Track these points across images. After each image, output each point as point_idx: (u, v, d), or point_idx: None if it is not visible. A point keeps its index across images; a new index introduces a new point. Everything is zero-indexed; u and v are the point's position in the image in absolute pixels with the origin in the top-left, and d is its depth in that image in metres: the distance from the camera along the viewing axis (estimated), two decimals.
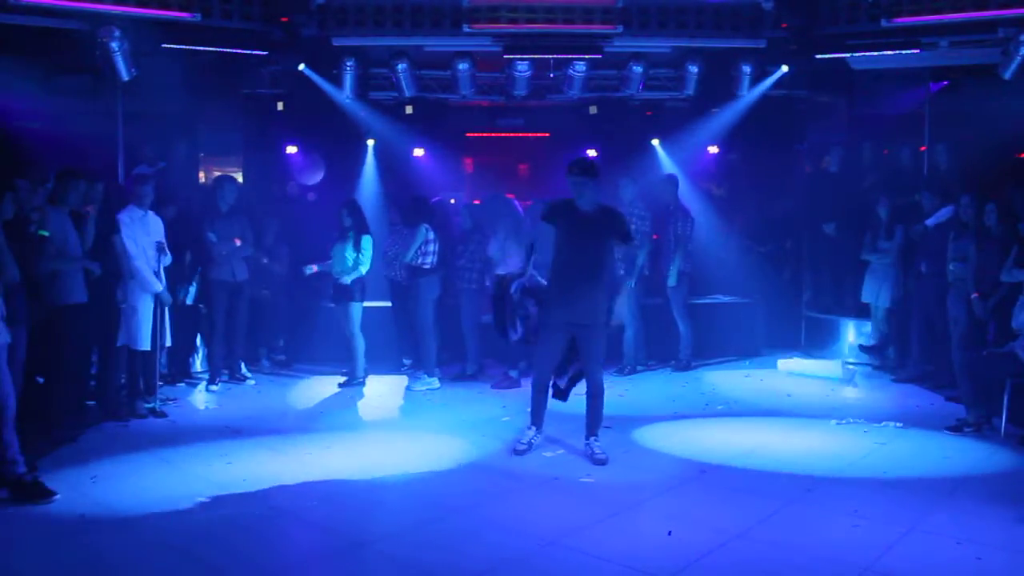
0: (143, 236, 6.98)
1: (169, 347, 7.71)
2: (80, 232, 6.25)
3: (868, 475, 5.56)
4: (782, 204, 10.61)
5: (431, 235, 8.10)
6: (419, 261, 8.08)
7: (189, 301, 7.95)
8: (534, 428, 6.03)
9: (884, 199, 8.62)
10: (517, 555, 4.34)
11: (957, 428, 6.48)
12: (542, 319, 5.90)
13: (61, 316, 6.06)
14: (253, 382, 8.27)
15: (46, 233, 5.83)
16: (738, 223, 10.69)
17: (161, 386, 7.30)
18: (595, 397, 5.92)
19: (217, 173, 10.96)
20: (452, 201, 10.37)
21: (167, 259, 7.14)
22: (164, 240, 7.10)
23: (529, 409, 6.06)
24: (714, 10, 8.89)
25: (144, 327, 6.96)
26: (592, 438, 5.93)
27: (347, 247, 8.06)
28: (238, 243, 7.99)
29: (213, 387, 8.01)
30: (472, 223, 8.53)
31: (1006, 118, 8.52)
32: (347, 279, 8.01)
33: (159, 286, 7.02)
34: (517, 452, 5.94)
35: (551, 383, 6.03)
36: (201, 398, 7.78)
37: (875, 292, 8.61)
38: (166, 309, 7.29)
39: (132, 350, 6.98)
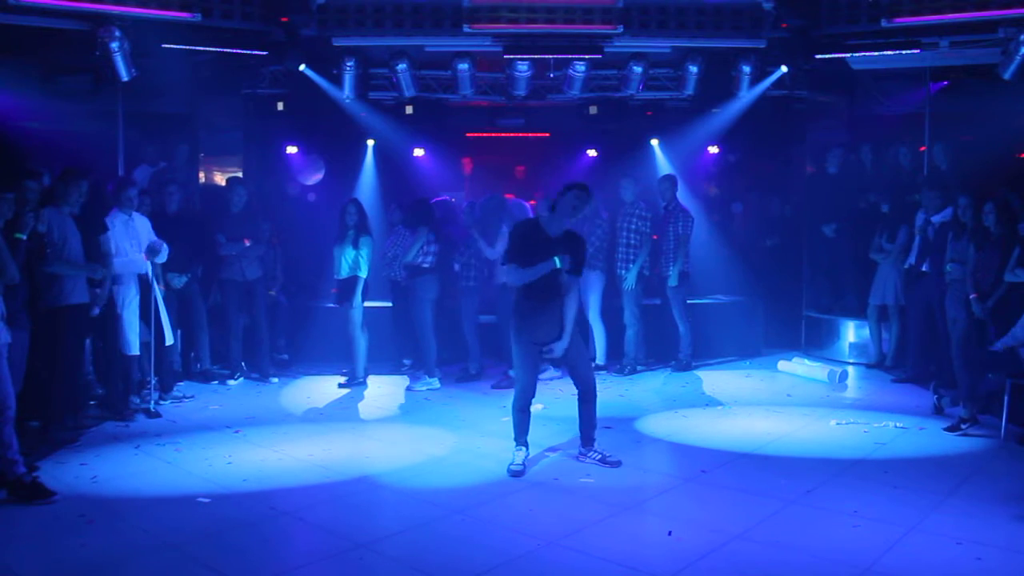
0: (126, 240, 6.94)
1: (171, 345, 7.69)
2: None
3: (868, 475, 5.56)
4: (781, 204, 10.61)
5: (431, 236, 8.13)
6: (419, 261, 8.11)
7: (177, 285, 7.70)
8: (523, 448, 5.73)
9: (887, 199, 8.60)
10: (517, 555, 4.34)
11: (955, 427, 6.48)
12: (518, 340, 5.63)
13: (61, 316, 6.06)
14: (276, 380, 8.33)
15: (22, 236, 5.49)
16: (738, 221, 10.70)
17: (152, 383, 7.28)
18: (590, 399, 5.75)
19: (217, 173, 10.97)
20: (452, 200, 10.36)
21: (164, 255, 7.08)
22: (155, 238, 7.07)
23: (514, 427, 5.74)
24: (714, 10, 8.87)
25: (130, 332, 6.98)
26: (589, 448, 5.81)
27: (347, 247, 8.06)
28: (247, 243, 8.12)
29: (232, 382, 8.21)
30: (471, 223, 8.52)
31: (1006, 118, 8.51)
32: (362, 273, 8.05)
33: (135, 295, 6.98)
34: (515, 475, 5.57)
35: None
36: (203, 398, 7.76)
37: (882, 293, 8.62)
38: (163, 308, 7.26)
39: (122, 354, 7.01)
